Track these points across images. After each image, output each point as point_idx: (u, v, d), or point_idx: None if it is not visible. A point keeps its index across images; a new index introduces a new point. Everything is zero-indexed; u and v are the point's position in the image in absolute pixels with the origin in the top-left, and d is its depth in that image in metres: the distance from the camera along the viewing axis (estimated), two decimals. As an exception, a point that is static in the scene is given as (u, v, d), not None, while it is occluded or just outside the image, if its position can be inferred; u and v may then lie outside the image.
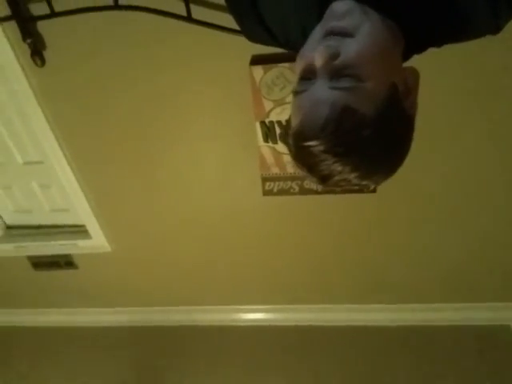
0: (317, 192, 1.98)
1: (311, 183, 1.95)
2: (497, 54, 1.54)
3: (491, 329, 2.43)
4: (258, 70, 1.65)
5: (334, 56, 0.60)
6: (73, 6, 1.50)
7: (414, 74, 0.66)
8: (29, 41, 1.61)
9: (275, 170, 1.95)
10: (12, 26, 1.60)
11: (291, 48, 0.78)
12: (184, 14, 1.48)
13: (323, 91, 0.61)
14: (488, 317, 2.44)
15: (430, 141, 1.78)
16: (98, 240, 2.39)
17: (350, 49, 0.60)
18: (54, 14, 1.53)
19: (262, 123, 1.80)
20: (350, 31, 0.61)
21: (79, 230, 2.41)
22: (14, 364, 2.80)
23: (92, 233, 2.37)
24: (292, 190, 2.00)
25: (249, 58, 1.64)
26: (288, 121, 0.68)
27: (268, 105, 1.74)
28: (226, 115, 1.84)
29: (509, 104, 1.68)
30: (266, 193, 2.04)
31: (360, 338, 2.52)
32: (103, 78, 1.78)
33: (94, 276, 2.64)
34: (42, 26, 1.64)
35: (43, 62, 1.69)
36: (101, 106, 1.87)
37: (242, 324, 2.70)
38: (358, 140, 0.59)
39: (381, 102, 0.61)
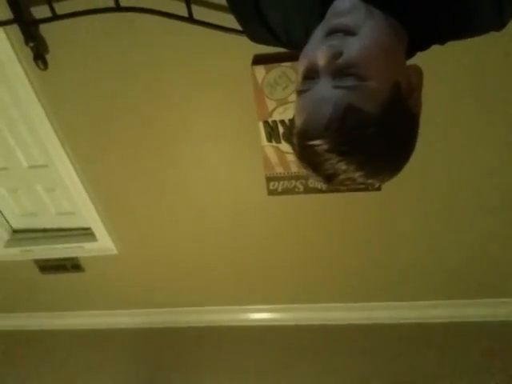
0: (321, 191, 1.97)
1: (316, 182, 1.93)
2: (500, 50, 1.53)
3: (498, 325, 2.41)
4: (261, 70, 1.65)
5: (337, 55, 0.59)
6: (74, 9, 1.51)
7: (418, 72, 0.66)
8: (31, 44, 1.62)
9: (279, 170, 1.95)
10: (14, 29, 1.61)
11: (294, 47, 0.78)
12: (185, 14, 1.48)
13: (326, 90, 0.60)
14: (492, 313, 2.43)
15: (435, 138, 1.77)
16: (104, 242, 2.39)
17: (353, 48, 0.59)
18: (56, 17, 1.54)
19: (265, 123, 1.79)
20: (353, 29, 0.60)
21: (85, 233, 2.42)
22: (21, 367, 2.81)
23: (98, 235, 2.37)
24: (296, 190, 2.00)
25: (251, 58, 1.64)
26: (292, 120, 0.68)
27: (271, 104, 1.73)
28: (228, 115, 1.84)
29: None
30: (271, 192, 2.03)
31: (364, 337, 2.51)
32: (106, 80, 1.78)
33: (100, 278, 2.65)
34: (45, 30, 1.65)
35: (46, 65, 1.69)
36: (104, 108, 1.87)
37: (247, 324, 2.70)
38: (362, 139, 0.59)
39: (384, 100, 0.60)
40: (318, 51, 0.60)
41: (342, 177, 0.62)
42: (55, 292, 2.78)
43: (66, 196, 2.30)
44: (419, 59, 0.71)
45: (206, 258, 2.44)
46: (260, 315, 2.71)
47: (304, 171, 0.66)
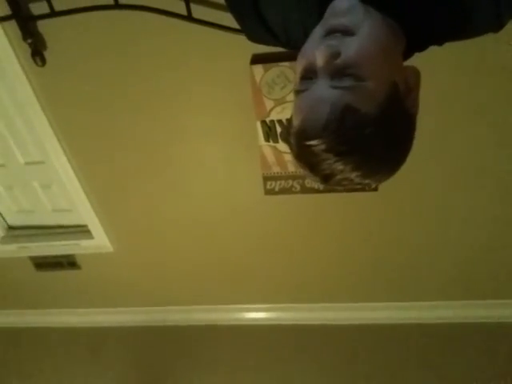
0: (318, 191, 1.98)
1: (313, 182, 1.94)
2: (496, 51, 1.53)
3: (498, 326, 2.42)
4: (259, 69, 1.65)
5: (335, 55, 0.59)
6: (73, 6, 1.50)
7: (415, 72, 0.66)
8: (29, 40, 1.61)
9: (276, 169, 1.95)
10: (12, 25, 1.60)
11: (292, 47, 0.78)
12: (184, 13, 1.47)
13: (324, 90, 0.61)
14: (493, 314, 2.43)
15: (432, 139, 1.77)
16: (100, 240, 2.39)
17: (351, 48, 0.59)
18: (54, 14, 1.53)
19: (263, 122, 1.79)
20: (351, 29, 0.60)
21: (81, 230, 2.42)
22: (15, 364, 2.80)
23: (94, 233, 2.37)
24: (293, 189, 2.00)
25: (249, 57, 1.64)
26: (290, 120, 0.68)
27: (269, 104, 1.73)
28: (226, 115, 1.84)
29: (509, 103, 1.67)
30: (268, 192, 2.03)
31: (363, 337, 2.52)
32: (104, 77, 1.78)
33: (96, 276, 2.64)
34: (43, 26, 1.64)
35: (44, 61, 1.69)
36: (102, 105, 1.87)
37: (244, 323, 2.70)
38: (360, 139, 0.59)
39: (382, 101, 0.60)
40: (316, 51, 0.60)
41: (339, 177, 0.62)
42: (51, 289, 2.77)
43: (62, 193, 2.30)
44: (417, 60, 0.72)
45: (204, 257, 2.44)
46: (258, 314, 2.72)
47: (301, 171, 0.66)
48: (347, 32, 0.60)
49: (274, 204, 2.09)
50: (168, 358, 2.65)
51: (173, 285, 2.63)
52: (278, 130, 1.80)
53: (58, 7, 1.52)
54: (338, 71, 0.60)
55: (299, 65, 0.64)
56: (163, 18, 1.49)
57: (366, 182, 0.65)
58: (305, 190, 1.99)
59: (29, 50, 1.65)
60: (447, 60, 1.54)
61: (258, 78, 1.67)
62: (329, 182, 0.64)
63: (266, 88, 1.69)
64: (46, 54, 1.69)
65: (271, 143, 1.85)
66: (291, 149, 0.66)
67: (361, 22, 0.60)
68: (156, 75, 1.75)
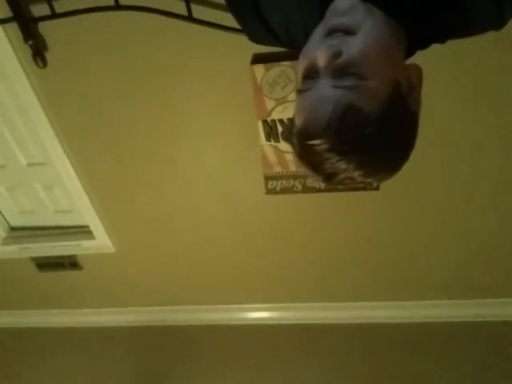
0: (320, 190, 1.98)
1: (314, 181, 1.95)
2: (497, 51, 1.53)
3: (498, 325, 2.42)
4: (260, 69, 1.65)
5: (337, 55, 0.59)
6: (74, 7, 1.50)
7: (418, 70, 0.66)
8: (30, 42, 1.62)
9: (278, 169, 1.95)
10: (13, 27, 1.61)
11: (294, 47, 0.78)
12: (185, 13, 1.48)
13: (326, 90, 0.61)
14: (493, 313, 2.43)
15: (434, 138, 1.77)
16: (101, 240, 2.39)
17: (353, 47, 0.59)
18: (55, 15, 1.53)
19: (264, 122, 1.79)
20: (353, 28, 0.60)
21: (83, 231, 2.42)
22: (17, 364, 2.81)
23: (96, 233, 2.37)
24: (295, 189, 2.00)
25: (250, 57, 1.64)
26: (292, 119, 0.68)
27: (270, 103, 1.73)
28: (228, 114, 1.84)
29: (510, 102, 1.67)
30: (269, 191, 2.03)
31: (364, 336, 2.52)
32: (105, 78, 1.78)
33: (98, 277, 2.64)
34: (44, 27, 1.64)
35: (45, 63, 1.69)
36: (103, 106, 1.87)
37: (246, 323, 2.70)
38: (362, 138, 0.59)
39: (384, 99, 0.60)
40: (317, 51, 0.60)
41: (341, 176, 0.63)
42: (53, 290, 2.78)
43: (64, 194, 2.30)
44: (419, 58, 0.72)
45: (205, 257, 2.44)
46: (259, 314, 2.72)
47: (303, 170, 0.66)
48: (348, 31, 0.60)
49: (275, 204, 2.09)
50: (169, 357, 2.66)
51: (174, 285, 2.63)
52: (280, 129, 1.80)
53: (58, 9, 1.52)
54: (340, 71, 0.60)
55: (301, 64, 0.64)
56: (164, 18, 1.49)
57: (369, 180, 0.65)
58: (306, 190, 1.99)
59: (30, 52, 1.66)
60: (450, 57, 1.54)
61: (259, 78, 1.67)
62: (331, 181, 0.64)
63: (267, 88, 1.69)
64: (47, 55, 1.70)
65: (272, 143, 1.85)
66: (293, 148, 0.66)
67: (362, 21, 0.60)
68: (157, 76, 1.75)
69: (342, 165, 0.61)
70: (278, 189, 2.02)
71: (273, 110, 1.75)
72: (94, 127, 1.95)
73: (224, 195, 2.14)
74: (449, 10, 0.64)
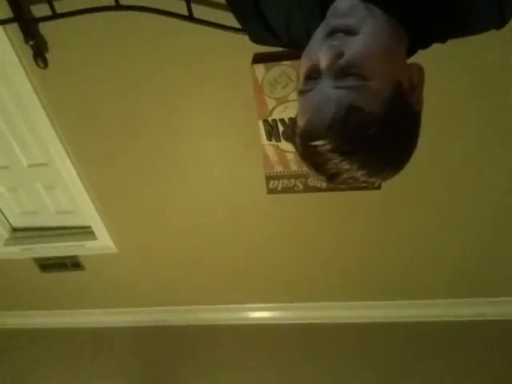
0: (321, 189, 1.98)
1: (315, 181, 1.95)
2: (498, 50, 1.53)
3: (498, 324, 2.42)
4: (260, 69, 1.65)
5: (338, 56, 0.59)
6: (74, 7, 1.50)
7: (419, 70, 0.66)
8: (31, 43, 1.62)
9: (279, 168, 1.95)
10: (14, 28, 1.61)
11: (294, 47, 0.78)
12: (185, 13, 1.48)
13: (328, 90, 0.61)
14: (492, 312, 2.43)
15: (434, 137, 1.77)
16: (103, 241, 2.40)
17: (354, 48, 0.59)
18: (55, 16, 1.53)
19: (265, 122, 1.79)
20: (354, 29, 0.60)
21: (85, 232, 2.42)
22: (20, 365, 2.82)
23: (98, 234, 2.37)
24: (296, 188, 2.00)
25: (251, 57, 1.64)
26: (294, 120, 0.68)
27: (271, 103, 1.73)
28: (228, 114, 1.84)
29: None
30: (271, 191, 2.03)
31: (364, 335, 2.52)
32: (106, 78, 1.78)
33: (100, 277, 2.65)
34: (44, 28, 1.64)
35: (46, 63, 1.69)
36: (104, 106, 1.87)
37: (246, 323, 2.71)
38: (365, 138, 0.59)
39: (386, 99, 0.60)
40: (319, 52, 0.60)
41: (344, 176, 0.63)
42: (55, 290, 2.78)
43: (65, 194, 2.30)
44: (420, 57, 0.72)
45: (206, 257, 2.44)
46: (260, 314, 2.72)
47: (304, 170, 0.67)
48: (349, 32, 0.60)
49: (276, 203, 2.09)
50: (170, 357, 2.66)
51: (175, 285, 2.63)
52: (281, 129, 1.80)
53: (59, 9, 1.52)
54: (342, 71, 0.60)
55: (303, 65, 0.64)
56: (164, 18, 1.49)
57: (372, 180, 0.65)
58: (307, 189, 1.99)
59: (31, 52, 1.66)
60: (451, 57, 1.54)
61: (259, 78, 1.67)
62: (334, 180, 0.64)
63: (268, 87, 1.69)
64: (48, 55, 1.70)
65: (273, 142, 1.85)
66: (296, 148, 0.66)
67: (363, 21, 0.60)
68: (158, 76, 1.75)
69: (345, 165, 0.61)
70: (279, 188, 2.02)
71: (274, 109, 1.75)
72: (95, 127, 1.95)
73: (225, 195, 2.14)
74: (449, 9, 0.64)
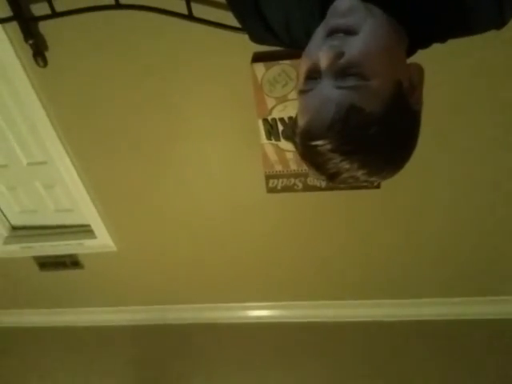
0: (320, 188, 1.98)
1: (314, 180, 1.95)
2: (498, 50, 1.53)
3: (499, 323, 2.42)
4: (260, 68, 1.65)
5: (339, 56, 0.59)
6: (74, 6, 1.50)
7: (419, 69, 0.66)
8: (31, 41, 1.61)
9: (278, 168, 1.95)
10: (14, 26, 1.60)
11: (294, 47, 0.78)
12: (185, 12, 1.47)
13: (329, 90, 0.61)
14: (493, 311, 2.44)
15: (434, 137, 1.77)
16: (103, 239, 2.40)
17: (354, 47, 0.59)
18: (55, 15, 1.53)
19: (265, 121, 1.79)
20: (353, 29, 0.60)
21: (84, 230, 2.42)
22: (19, 364, 2.82)
23: (97, 232, 2.37)
24: (296, 187, 2.00)
25: (250, 56, 1.64)
26: (295, 120, 0.68)
27: (270, 102, 1.73)
28: (228, 113, 1.84)
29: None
30: (270, 190, 2.04)
31: (364, 334, 2.52)
32: (105, 77, 1.78)
33: (100, 275, 2.65)
34: (44, 27, 1.64)
35: (45, 62, 1.69)
36: (103, 105, 1.87)
37: (246, 321, 2.71)
38: (365, 138, 0.59)
39: (386, 99, 0.60)
40: (319, 52, 0.60)
41: (345, 175, 0.63)
42: (54, 289, 2.78)
43: (65, 193, 2.30)
44: (420, 56, 0.72)
45: (206, 256, 2.44)
46: (259, 312, 2.72)
47: (303, 169, 0.67)
48: (349, 32, 0.60)
49: (276, 202, 2.10)
50: (169, 356, 2.66)
51: (174, 283, 2.63)
52: (280, 128, 1.80)
53: (58, 8, 1.52)
54: (342, 71, 0.60)
55: (303, 65, 0.64)
56: (164, 17, 1.49)
57: (372, 179, 0.65)
58: (307, 188, 1.99)
59: (30, 51, 1.65)
60: (451, 56, 1.54)
61: (259, 77, 1.67)
62: (335, 180, 0.64)
63: (268, 86, 1.69)
64: (48, 54, 1.69)
65: (273, 141, 1.85)
66: (296, 148, 0.67)
67: (363, 21, 0.60)
68: (157, 75, 1.75)
69: (346, 164, 0.61)
70: (278, 187, 2.02)
71: (273, 108, 1.75)
72: (95, 126, 1.95)
73: (225, 194, 2.14)
74: (449, 9, 0.64)
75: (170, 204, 2.21)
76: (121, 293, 2.75)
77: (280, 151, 1.88)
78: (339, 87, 0.60)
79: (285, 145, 1.85)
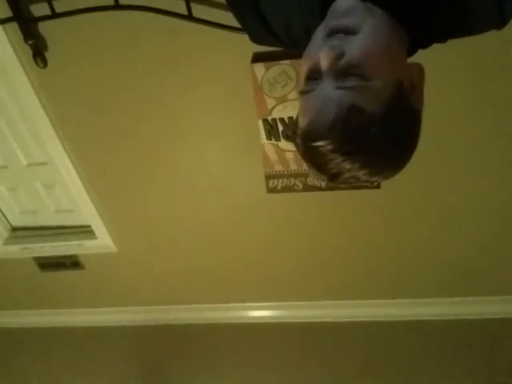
0: (320, 189, 1.98)
1: (314, 180, 1.95)
2: (499, 50, 1.53)
3: (499, 323, 2.42)
4: (260, 68, 1.65)
5: (339, 56, 0.59)
6: (74, 7, 1.50)
7: (419, 69, 0.66)
8: (30, 42, 1.61)
9: (278, 168, 1.95)
10: (13, 27, 1.60)
11: (294, 47, 0.78)
12: (185, 12, 1.47)
13: (330, 91, 0.61)
14: (493, 311, 2.44)
15: (434, 136, 1.77)
16: (103, 240, 2.40)
17: (355, 48, 0.59)
18: (55, 15, 1.53)
19: (265, 121, 1.79)
20: (353, 29, 0.60)
21: (85, 231, 2.42)
22: (18, 364, 2.81)
23: (97, 233, 2.37)
24: (296, 187, 2.00)
25: (250, 56, 1.64)
26: (296, 121, 0.68)
27: (270, 102, 1.73)
28: (228, 113, 1.84)
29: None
30: (270, 190, 2.04)
31: (365, 334, 2.52)
32: (105, 78, 1.78)
33: (100, 276, 2.65)
34: (44, 27, 1.64)
35: (45, 63, 1.69)
36: (103, 105, 1.87)
37: (246, 321, 2.71)
38: (366, 138, 0.59)
39: (387, 99, 0.60)
40: (320, 52, 0.60)
41: (346, 175, 0.63)
42: (55, 289, 2.78)
43: (65, 193, 2.30)
44: (420, 56, 0.72)
45: (206, 256, 2.44)
46: (259, 313, 2.72)
47: (303, 169, 0.67)
48: (350, 32, 0.60)
49: (276, 202, 2.10)
50: (169, 356, 2.66)
51: (175, 284, 2.63)
52: (280, 128, 1.80)
53: (58, 8, 1.52)
54: (343, 71, 0.60)
55: (304, 65, 0.64)
56: (164, 17, 1.49)
57: (374, 179, 0.65)
58: (307, 188, 1.99)
59: (30, 52, 1.65)
60: (451, 56, 1.54)
61: (259, 77, 1.67)
62: (336, 180, 0.64)
63: (268, 86, 1.69)
64: (48, 55, 1.69)
65: (273, 141, 1.85)
66: (298, 149, 0.67)
67: (363, 20, 0.60)
68: (157, 75, 1.75)
69: (347, 165, 0.61)
70: (278, 187, 2.02)
71: (273, 108, 1.75)
72: (95, 126, 1.95)
73: (225, 194, 2.14)
74: (450, 9, 0.64)
75: (170, 204, 2.21)
76: (121, 293, 2.75)
77: (280, 151, 1.88)
78: (340, 88, 0.60)
79: (285, 145, 1.85)
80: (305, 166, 1.87)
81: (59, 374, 2.72)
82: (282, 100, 1.72)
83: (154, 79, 1.76)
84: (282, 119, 1.78)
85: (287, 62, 1.62)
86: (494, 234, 2.16)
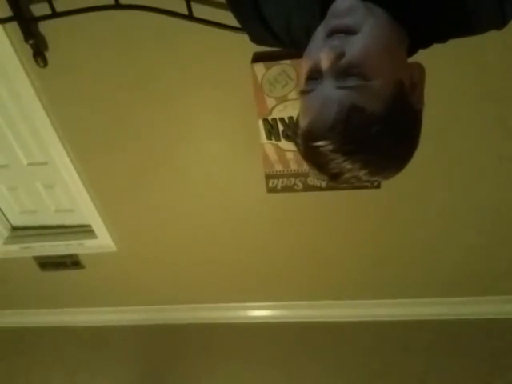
0: (320, 188, 1.98)
1: (315, 180, 1.95)
2: (499, 50, 1.53)
3: (499, 323, 2.42)
4: (260, 68, 1.65)
5: (340, 56, 0.59)
6: (74, 6, 1.50)
7: (420, 69, 0.66)
8: (31, 42, 1.61)
9: (279, 167, 1.95)
10: (14, 26, 1.60)
11: (294, 47, 0.78)
12: (185, 12, 1.47)
13: (330, 91, 0.61)
14: (493, 311, 2.44)
15: (434, 136, 1.77)
16: (103, 239, 2.40)
17: (355, 47, 0.59)
18: (55, 15, 1.53)
19: (265, 121, 1.79)
20: (354, 29, 0.60)
21: (85, 230, 2.42)
22: (19, 364, 2.82)
23: (98, 232, 2.37)
24: (296, 187, 2.00)
25: (250, 56, 1.64)
26: (297, 121, 0.68)
27: (270, 102, 1.73)
28: (228, 113, 1.84)
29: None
30: (270, 190, 2.04)
31: (365, 334, 2.52)
32: (106, 77, 1.78)
33: (100, 275, 2.65)
34: (44, 27, 1.64)
35: (45, 62, 1.69)
36: (103, 105, 1.87)
37: (246, 321, 2.71)
38: (367, 138, 0.60)
39: (388, 99, 0.61)
40: (320, 52, 0.60)
41: (347, 175, 0.63)
42: (55, 289, 2.78)
43: (65, 193, 2.30)
44: (421, 56, 0.72)
45: (206, 256, 2.44)
46: (260, 312, 2.72)
47: (304, 169, 0.67)
48: (350, 31, 0.60)
49: (276, 202, 2.10)
50: (169, 356, 2.66)
51: (175, 283, 2.63)
52: (280, 128, 1.80)
53: (59, 8, 1.52)
54: (343, 71, 0.60)
55: (304, 65, 0.64)
56: (164, 17, 1.49)
57: (374, 179, 0.65)
58: (307, 188, 1.99)
59: (30, 51, 1.65)
60: (452, 56, 1.54)
61: (259, 77, 1.67)
62: (337, 180, 0.65)
63: (268, 86, 1.69)
64: (48, 54, 1.69)
65: (273, 141, 1.85)
66: (298, 149, 0.67)
67: (363, 20, 0.60)
68: (158, 75, 1.75)
69: (348, 165, 0.61)
70: (278, 187, 2.02)
71: (273, 108, 1.75)
72: (95, 126, 1.95)
73: (225, 194, 2.14)
74: (450, 9, 0.64)
75: (170, 204, 2.21)
76: (121, 293, 2.75)
77: (280, 151, 1.88)
78: (340, 87, 0.60)
79: (285, 145, 1.85)
80: (305, 166, 1.87)
81: (59, 373, 2.72)
82: (282, 100, 1.72)
83: (154, 79, 1.76)
84: (282, 119, 1.78)
85: (287, 61, 1.62)
86: (494, 234, 2.16)
